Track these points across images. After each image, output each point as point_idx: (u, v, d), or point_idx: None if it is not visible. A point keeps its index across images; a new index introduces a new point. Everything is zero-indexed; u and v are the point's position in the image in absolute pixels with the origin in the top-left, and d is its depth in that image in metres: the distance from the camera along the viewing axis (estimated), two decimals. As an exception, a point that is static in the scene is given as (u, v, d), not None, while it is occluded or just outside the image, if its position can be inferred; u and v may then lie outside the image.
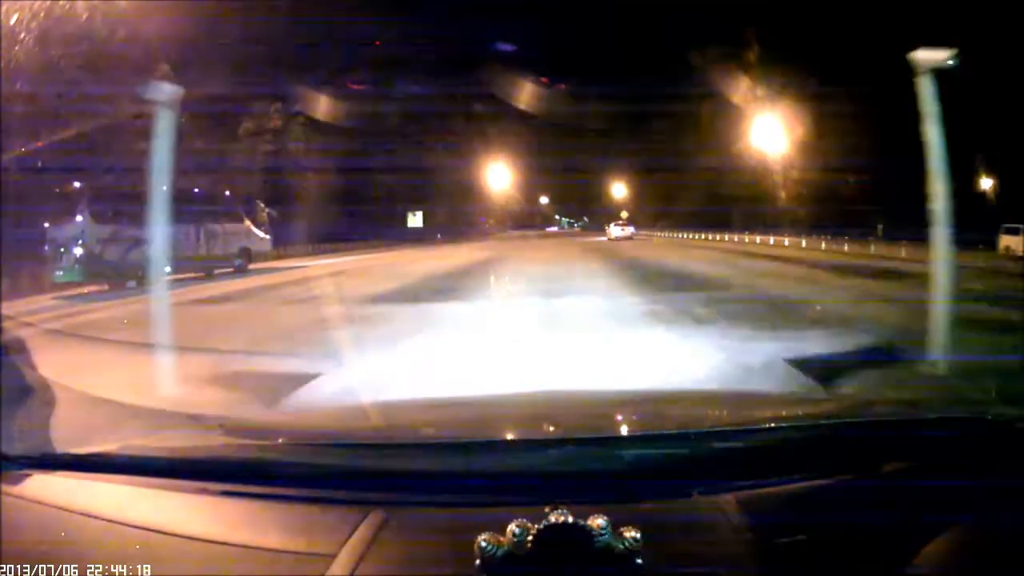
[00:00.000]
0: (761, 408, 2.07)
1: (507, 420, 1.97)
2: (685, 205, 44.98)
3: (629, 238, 41.31)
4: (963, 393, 4.11)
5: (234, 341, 8.27)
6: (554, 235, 68.81)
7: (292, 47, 31.71)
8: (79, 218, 17.16)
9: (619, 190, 69.19)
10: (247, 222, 21.88)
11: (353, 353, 6.80)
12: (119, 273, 17.48)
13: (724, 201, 38.60)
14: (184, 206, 19.95)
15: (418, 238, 45.75)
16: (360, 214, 37.14)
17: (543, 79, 42.01)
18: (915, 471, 1.32)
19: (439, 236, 48.64)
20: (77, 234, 17.06)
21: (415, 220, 51.64)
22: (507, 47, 44.56)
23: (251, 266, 21.64)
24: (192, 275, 19.45)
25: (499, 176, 67.45)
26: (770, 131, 33.29)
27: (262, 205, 22.99)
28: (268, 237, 22.97)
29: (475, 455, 1.49)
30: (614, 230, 43.30)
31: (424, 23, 42.51)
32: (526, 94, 42.16)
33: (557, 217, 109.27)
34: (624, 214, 54.22)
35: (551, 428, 1.78)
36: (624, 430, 1.81)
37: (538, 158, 69.91)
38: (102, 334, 9.53)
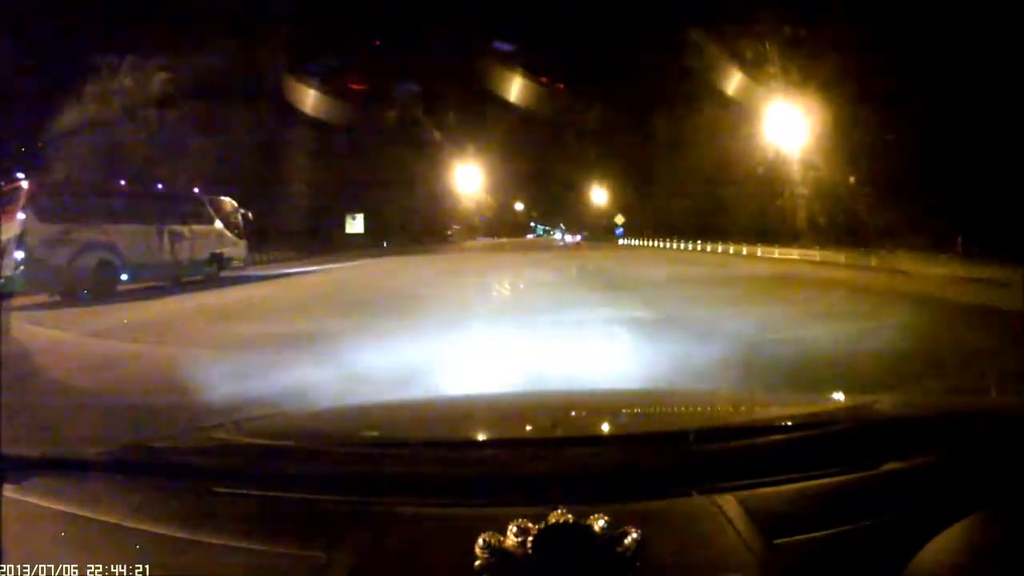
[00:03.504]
0: (761, 408, 2.07)
1: (507, 420, 1.98)
2: (682, 211, 42.66)
3: (578, 244, 52.82)
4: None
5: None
6: (526, 245, 60.46)
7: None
8: (20, 216, 14.38)
9: (602, 196, 67.30)
10: (218, 224, 19.16)
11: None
12: (66, 281, 14.78)
13: (727, 208, 36.13)
14: (145, 203, 17.49)
15: (358, 246, 38.97)
16: (283, 214, 30.68)
17: (522, 70, 39.23)
18: (916, 470, 1.31)
19: (384, 244, 42.97)
20: (17, 235, 14.28)
21: (354, 225, 45.13)
22: (480, 32, 41.36)
23: (224, 273, 19.00)
24: (154, 284, 16.80)
25: (469, 179, 64.51)
26: (784, 124, 29.98)
27: (236, 205, 20.27)
28: (243, 241, 20.23)
29: (475, 455, 1.52)
30: (568, 238, 58.58)
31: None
32: (502, 86, 39.25)
33: (532, 224, 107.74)
34: (620, 218, 51.85)
35: (551, 428, 1.78)
36: (624, 430, 1.82)
37: (514, 160, 67.78)
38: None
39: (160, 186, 18.78)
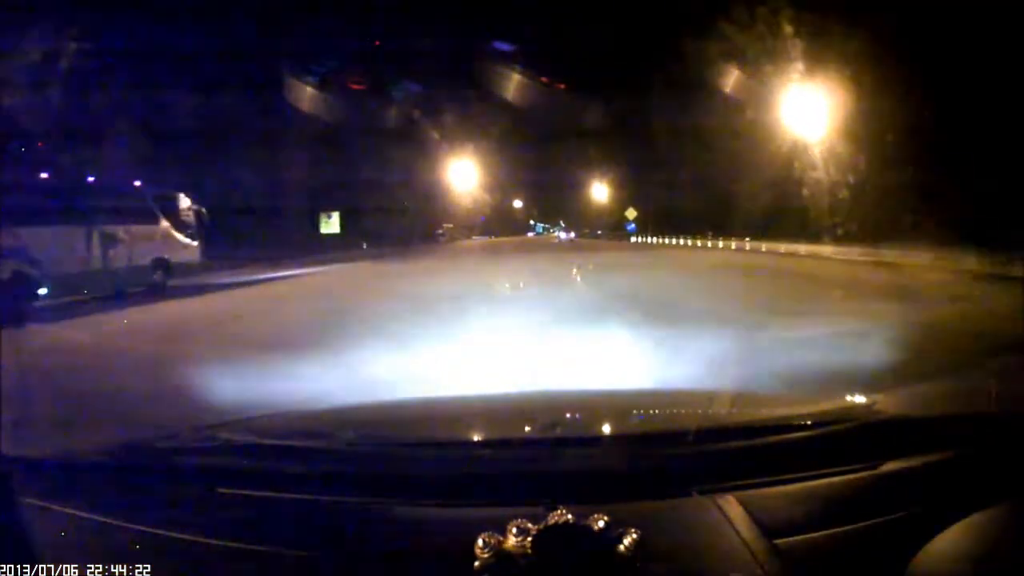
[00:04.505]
0: (761, 408, 2.06)
1: (506, 420, 1.97)
2: (690, 206, 39.86)
3: (571, 240, 57.51)
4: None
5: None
6: (526, 245, 52.87)
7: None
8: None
9: (603, 192, 64.56)
10: (165, 223, 16.07)
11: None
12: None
13: (740, 202, 33.25)
14: (71, 200, 14.39)
15: (332, 248, 33.99)
16: (248, 212, 26.63)
17: (521, 66, 36.20)
18: (916, 469, 1.31)
19: (364, 246, 38.69)
20: None
21: (330, 225, 41.24)
22: (479, 29, 38.61)
23: (174, 282, 15.92)
24: (81, 298, 13.71)
25: (465, 176, 61.95)
26: (804, 112, 27.20)
27: (188, 200, 17.18)
28: (196, 244, 17.08)
29: (475, 455, 1.53)
30: (561, 234, 55.65)
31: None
32: (500, 82, 36.29)
33: (532, 223, 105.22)
34: (631, 213, 48.67)
35: (551, 428, 1.77)
36: (624, 430, 1.79)
37: (513, 158, 65.08)
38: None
39: (91, 178, 15.63)
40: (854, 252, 22.71)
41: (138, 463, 1.45)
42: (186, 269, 16.50)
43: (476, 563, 0.98)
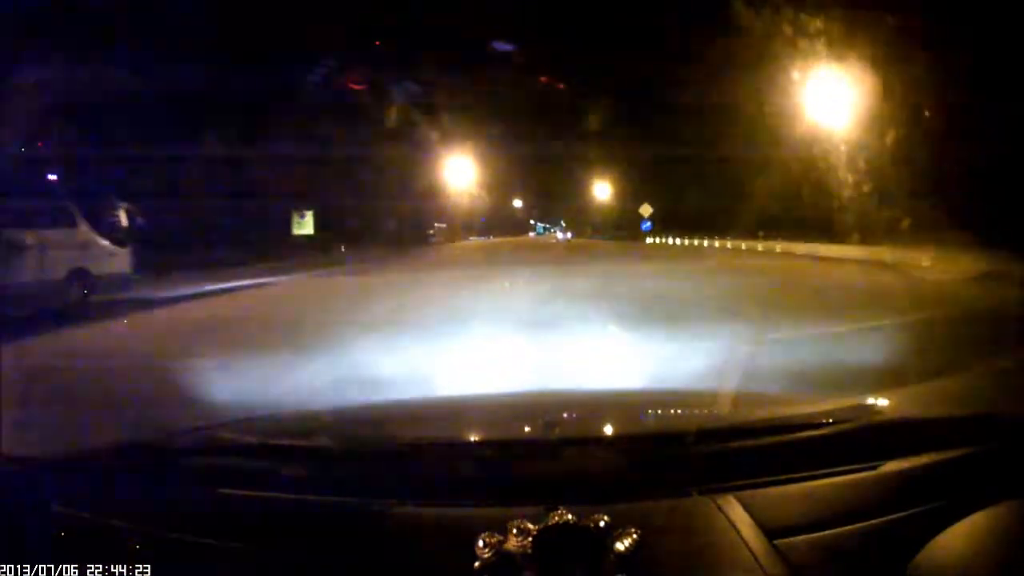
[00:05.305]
0: (761, 408, 2.05)
1: (506, 420, 1.98)
2: (701, 202, 37.37)
3: (568, 239, 57.46)
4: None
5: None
6: (525, 248, 46.84)
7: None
8: None
9: (605, 190, 62.07)
10: (84, 227, 13.33)
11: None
12: None
13: (756, 198, 30.61)
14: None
15: (302, 252, 29.62)
16: (201, 213, 23.29)
17: (521, 61, 33.76)
18: (916, 469, 1.30)
19: (342, 249, 35.09)
20: None
21: (303, 225, 37.03)
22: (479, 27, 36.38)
23: (99, 296, 13.15)
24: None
25: (462, 175, 59.70)
26: (830, 99, 24.58)
27: (115, 199, 14.44)
28: (125, 251, 14.26)
29: (475, 455, 1.53)
30: (559, 234, 55.57)
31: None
32: (499, 77, 34.15)
33: (532, 222, 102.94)
34: (646, 209, 45.48)
35: (551, 428, 1.77)
36: (624, 430, 1.79)
37: (513, 157, 62.68)
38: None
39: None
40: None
41: (138, 463, 1.44)
42: (110, 283, 13.68)
43: (476, 563, 0.99)
